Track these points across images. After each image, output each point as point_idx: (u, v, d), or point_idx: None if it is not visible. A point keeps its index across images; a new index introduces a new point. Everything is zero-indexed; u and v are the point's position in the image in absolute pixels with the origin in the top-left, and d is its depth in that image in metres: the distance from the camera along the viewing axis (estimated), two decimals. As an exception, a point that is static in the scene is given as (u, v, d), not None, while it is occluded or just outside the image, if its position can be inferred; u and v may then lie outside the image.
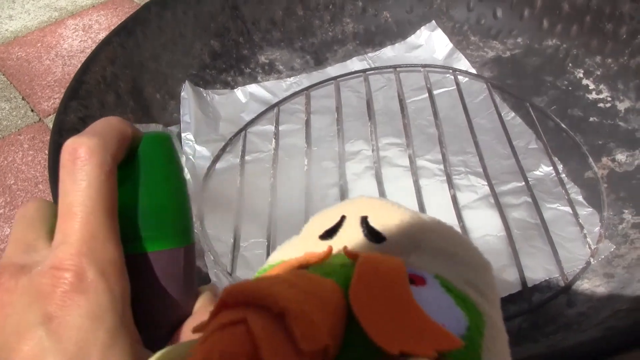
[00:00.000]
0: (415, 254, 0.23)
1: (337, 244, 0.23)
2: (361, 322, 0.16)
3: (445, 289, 0.20)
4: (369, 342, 0.16)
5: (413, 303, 0.17)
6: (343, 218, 0.24)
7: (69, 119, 0.55)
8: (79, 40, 0.91)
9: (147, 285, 0.25)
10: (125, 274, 0.23)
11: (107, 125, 0.24)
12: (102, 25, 0.94)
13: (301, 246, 0.24)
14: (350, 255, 0.20)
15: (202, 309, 0.27)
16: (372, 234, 0.23)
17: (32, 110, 0.77)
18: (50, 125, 0.73)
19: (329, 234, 0.24)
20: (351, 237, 0.23)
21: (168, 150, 0.26)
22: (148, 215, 0.25)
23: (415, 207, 0.56)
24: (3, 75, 0.84)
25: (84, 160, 0.22)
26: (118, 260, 0.23)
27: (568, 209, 0.56)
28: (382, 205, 0.25)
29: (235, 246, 0.56)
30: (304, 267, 0.21)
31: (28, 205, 0.25)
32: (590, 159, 0.61)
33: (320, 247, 0.23)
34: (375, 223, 0.23)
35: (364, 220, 0.23)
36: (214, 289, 0.29)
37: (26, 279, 0.22)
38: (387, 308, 0.17)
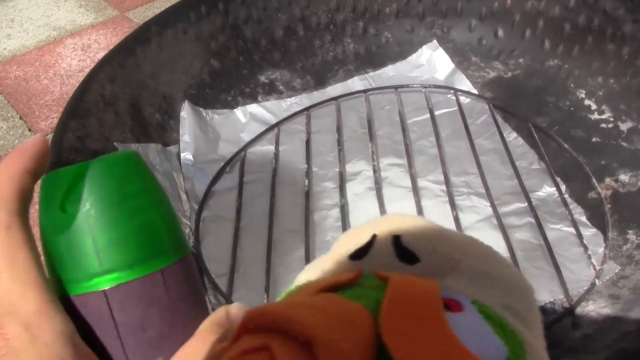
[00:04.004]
0: (452, 276, 0.22)
1: (368, 264, 0.22)
2: (392, 352, 0.15)
3: (483, 315, 0.19)
4: None
5: (448, 332, 0.16)
6: (374, 237, 0.23)
7: (68, 138, 0.54)
8: (78, 60, 0.91)
9: (124, 319, 0.24)
10: (55, 319, 0.22)
11: (1, 177, 0.24)
12: (101, 44, 0.94)
13: (330, 266, 0.23)
14: (381, 278, 0.19)
15: (203, 332, 0.25)
16: (405, 255, 0.22)
17: (29, 130, 0.77)
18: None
19: (360, 254, 0.23)
20: (383, 258, 0.22)
21: (119, 174, 0.25)
22: (107, 247, 0.24)
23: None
24: (1, 94, 0.84)
25: None
26: (43, 307, 0.22)
27: (572, 229, 0.56)
28: (415, 224, 0.23)
29: (234, 268, 0.55)
30: (333, 289, 0.20)
31: None
32: (594, 180, 0.60)
33: (351, 268, 0.22)
34: (408, 243, 0.22)
35: (396, 240, 0.22)
36: (237, 309, 0.26)
37: None
38: (419, 337, 0.16)
